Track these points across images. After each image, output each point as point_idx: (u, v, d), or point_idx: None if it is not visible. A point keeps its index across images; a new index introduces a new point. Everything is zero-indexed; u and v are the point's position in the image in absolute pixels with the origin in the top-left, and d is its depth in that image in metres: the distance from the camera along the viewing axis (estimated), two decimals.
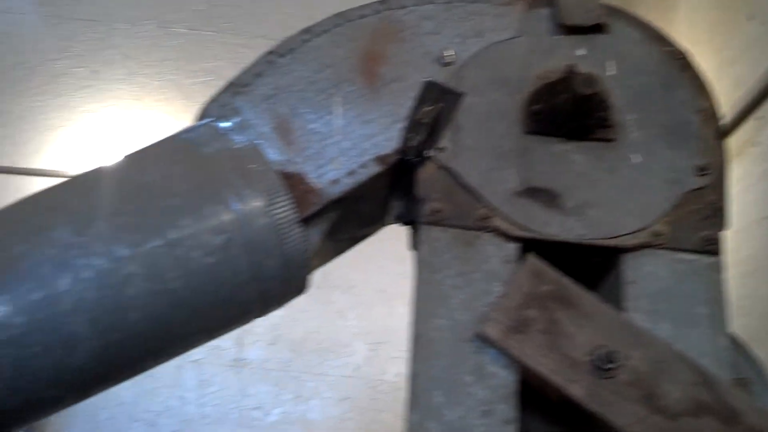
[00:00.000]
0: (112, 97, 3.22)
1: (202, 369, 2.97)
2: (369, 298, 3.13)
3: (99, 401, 0.84)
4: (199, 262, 0.77)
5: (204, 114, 0.87)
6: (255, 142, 0.84)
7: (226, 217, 0.78)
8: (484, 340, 0.77)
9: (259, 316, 0.86)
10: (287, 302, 0.88)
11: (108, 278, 0.73)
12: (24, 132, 3.17)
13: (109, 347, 0.75)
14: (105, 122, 3.22)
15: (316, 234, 0.86)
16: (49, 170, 3.08)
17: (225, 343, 2.96)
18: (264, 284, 0.81)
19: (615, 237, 0.83)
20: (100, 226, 0.75)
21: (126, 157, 0.83)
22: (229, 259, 0.78)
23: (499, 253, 0.82)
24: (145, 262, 0.75)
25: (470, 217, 0.83)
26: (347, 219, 0.91)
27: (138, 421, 2.90)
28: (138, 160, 0.83)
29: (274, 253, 0.80)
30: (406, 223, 0.94)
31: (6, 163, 3.12)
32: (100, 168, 0.82)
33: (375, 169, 0.85)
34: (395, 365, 3.01)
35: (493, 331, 0.76)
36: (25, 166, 3.11)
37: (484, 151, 0.86)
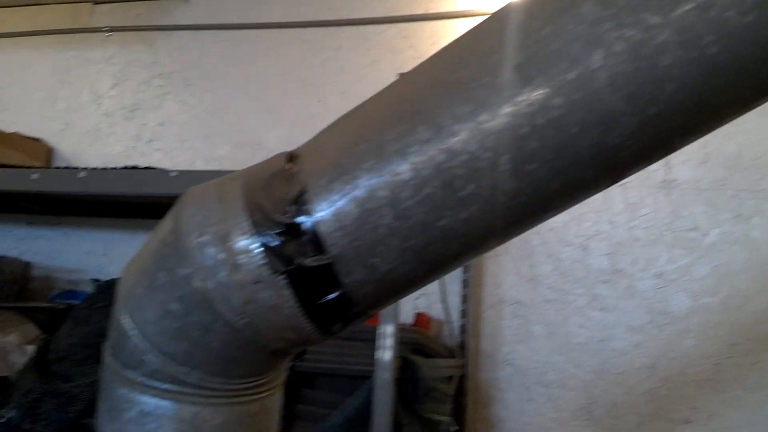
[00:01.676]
0: None
1: (629, 192, 2.92)
2: None
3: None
4: (736, 22, 0.68)
5: None
6: None
7: None
8: None
9: None
10: None
11: (641, 49, 0.69)
12: None
13: (646, 123, 0.72)
14: None
15: None
16: (461, 11, 3.20)
17: (652, 165, 2.85)
18: None
19: None
20: None
21: None
22: None
23: None
24: (679, 28, 0.69)
25: None
26: None
27: (570, 245, 2.98)
28: None
29: None
30: None
31: (419, 11, 3.31)
32: None
33: None
34: None
35: None
36: (437, 11, 3.27)
37: None
